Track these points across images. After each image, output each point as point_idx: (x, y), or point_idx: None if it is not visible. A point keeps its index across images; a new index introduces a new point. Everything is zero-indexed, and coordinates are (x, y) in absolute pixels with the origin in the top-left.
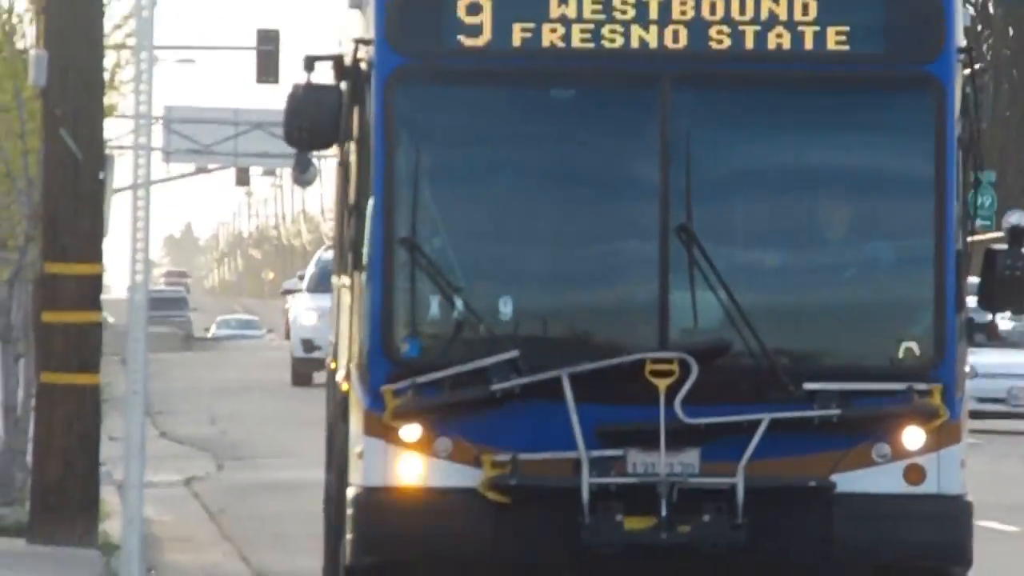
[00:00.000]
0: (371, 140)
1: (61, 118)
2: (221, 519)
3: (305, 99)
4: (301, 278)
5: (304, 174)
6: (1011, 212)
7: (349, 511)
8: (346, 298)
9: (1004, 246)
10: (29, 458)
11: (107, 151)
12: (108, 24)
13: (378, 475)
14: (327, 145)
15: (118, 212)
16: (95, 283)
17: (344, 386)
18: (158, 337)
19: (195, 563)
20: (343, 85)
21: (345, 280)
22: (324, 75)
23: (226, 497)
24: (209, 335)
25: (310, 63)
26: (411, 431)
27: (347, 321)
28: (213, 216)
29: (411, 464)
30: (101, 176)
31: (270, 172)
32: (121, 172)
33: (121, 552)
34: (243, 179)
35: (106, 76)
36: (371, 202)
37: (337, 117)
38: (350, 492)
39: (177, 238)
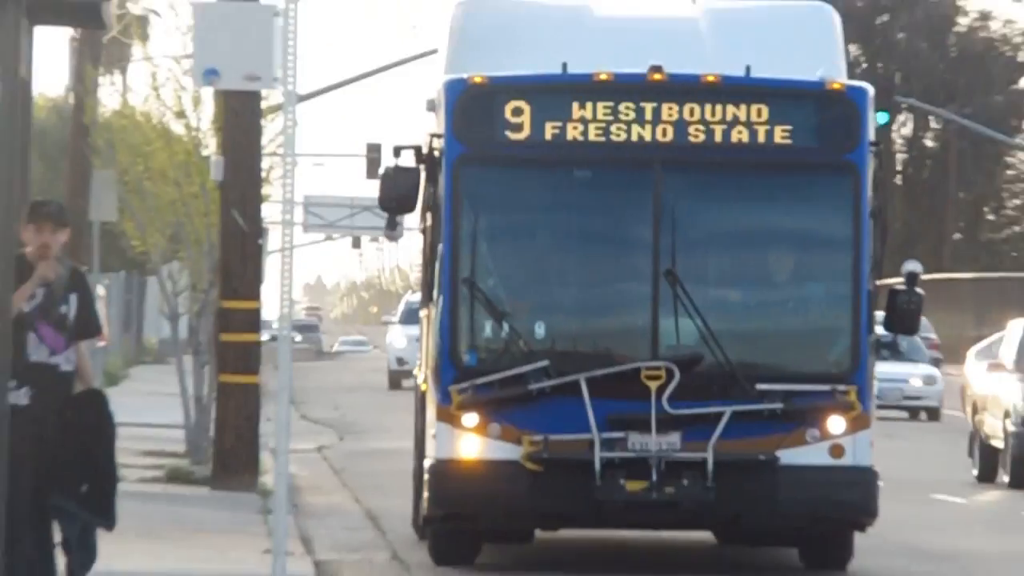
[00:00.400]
0: (442, 207)
1: (233, 202)
2: (342, 474)
3: (394, 177)
4: (394, 314)
5: (392, 231)
6: (908, 261)
7: (426, 476)
8: (426, 325)
9: (903, 287)
10: (211, 433)
11: (264, 225)
12: (265, 138)
13: (446, 450)
14: (409, 211)
15: (271, 267)
16: (255, 315)
17: (424, 387)
18: (299, 351)
19: (324, 503)
20: (421, 167)
21: (426, 312)
22: (408, 159)
23: (345, 459)
24: (333, 350)
25: (397, 151)
26: (470, 419)
27: (426, 341)
28: (337, 269)
29: (470, 443)
30: (260, 242)
31: (375, 239)
32: (273, 240)
33: (274, 496)
34: (356, 244)
35: (263, 174)
36: (441, 253)
37: (416, 190)
38: (427, 463)
39: (312, 284)
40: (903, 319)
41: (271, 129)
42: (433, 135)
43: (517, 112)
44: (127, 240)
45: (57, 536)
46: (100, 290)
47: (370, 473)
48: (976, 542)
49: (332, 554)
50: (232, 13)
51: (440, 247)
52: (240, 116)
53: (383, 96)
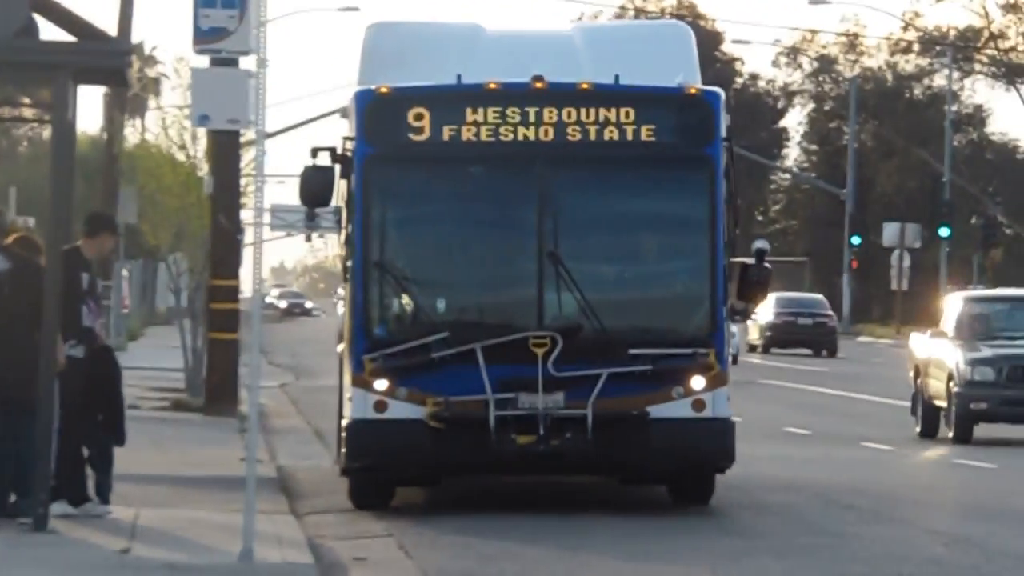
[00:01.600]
0: (354, 201)
1: (220, 209)
2: (298, 404)
3: (312, 175)
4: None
5: (312, 223)
6: (757, 240)
7: (343, 434)
8: (344, 302)
9: (752, 262)
10: (203, 375)
11: (242, 226)
12: (243, 163)
13: (360, 411)
14: (327, 204)
15: (247, 255)
16: (235, 290)
17: (343, 355)
18: (266, 316)
19: (285, 424)
20: (336, 166)
21: (344, 291)
22: (324, 160)
23: (300, 393)
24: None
25: (315, 152)
26: (381, 384)
27: (343, 315)
28: (294, 256)
29: (381, 404)
30: (239, 238)
31: (321, 236)
32: (249, 236)
33: (248, 419)
34: (309, 239)
35: (242, 189)
36: (354, 240)
37: (331, 186)
38: (344, 422)
39: (276, 267)
40: (752, 290)
41: (247, 156)
42: (346, 138)
43: (418, 117)
44: (144, 237)
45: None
46: (124, 272)
47: (318, 403)
48: (863, 479)
49: (290, 461)
50: (220, 75)
51: (353, 235)
52: (225, 148)
53: (334, 130)
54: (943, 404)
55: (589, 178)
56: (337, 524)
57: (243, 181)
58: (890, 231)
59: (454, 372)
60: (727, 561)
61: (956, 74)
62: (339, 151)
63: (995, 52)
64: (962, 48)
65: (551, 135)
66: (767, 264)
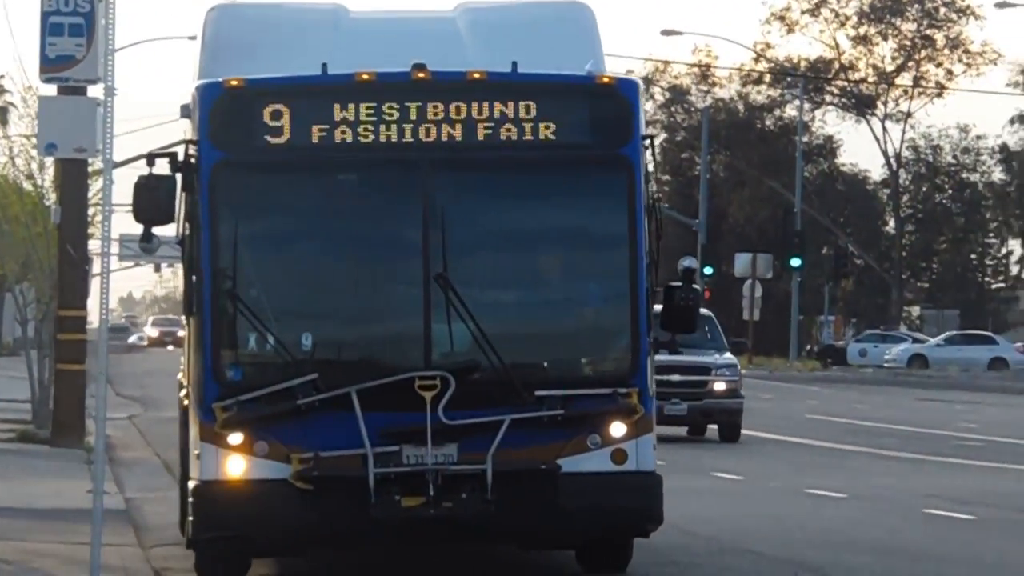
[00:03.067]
0: (200, 216)
1: (67, 239)
2: (146, 435)
3: (148, 187)
4: None
5: (149, 243)
6: (684, 257)
7: (191, 499)
8: (186, 339)
9: (679, 283)
10: (50, 406)
11: (90, 255)
12: (90, 192)
13: (211, 471)
14: (166, 222)
15: (95, 286)
16: (83, 320)
17: (185, 402)
18: (113, 346)
19: (133, 456)
20: (178, 176)
21: (186, 325)
22: (163, 168)
23: (148, 425)
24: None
25: (151, 159)
26: (236, 437)
27: (187, 354)
28: (143, 287)
29: (236, 462)
30: (87, 268)
31: (170, 265)
32: (96, 266)
33: (95, 451)
34: (157, 269)
35: (89, 218)
36: (200, 264)
37: (172, 200)
38: (191, 484)
39: (125, 297)
40: (681, 316)
41: (95, 186)
42: (188, 141)
43: (276, 115)
44: None
45: None
46: None
47: (166, 434)
48: (713, 508)
49: (138, 493)
50: (67, 103)
51: (199, 257)
52: (73, 177)
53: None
54: None
55: (484, 186)
56: (185, 557)
57: (91, 210)
58: (742, 261)
59: (324, 422)
60: None
61: (807, 105)
62: (181, 157)
63: (845, 83)
64: (813, 79)
65: (437, 135)
66: (696, 285)
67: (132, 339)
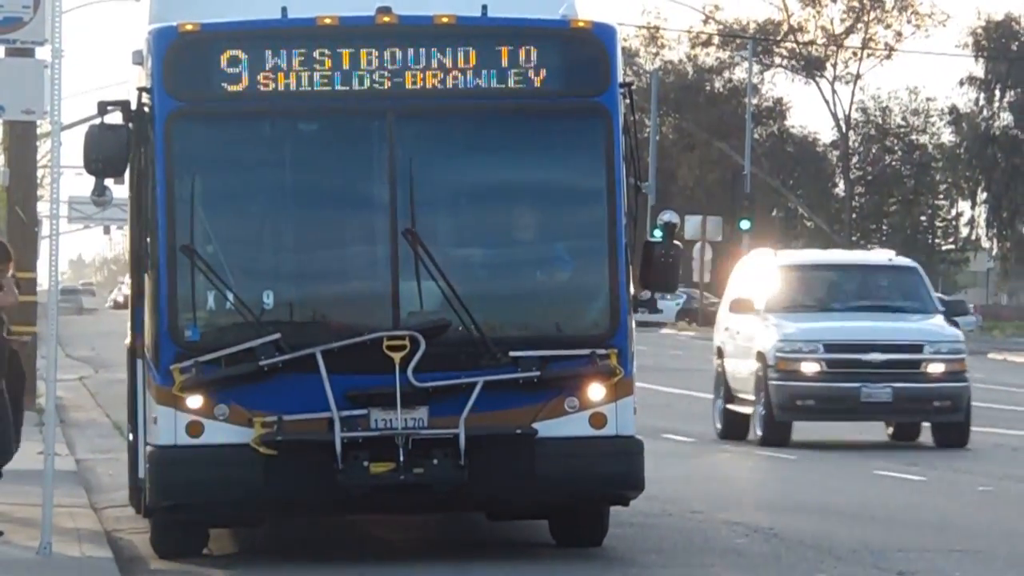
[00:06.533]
0: (154, 168)
1: (16, 201)
2: (96, 397)
3: (100, 137)
4: None
5: (101, 197)
6: (664, 212)
7: (147, 465)
8: (137, 298)
9: (659, 239)
10: None
11: (39, 218)
12: (39, 154)
13: (169, 436)
14: (119, 174)
15: (44, 248)
16: (33, 282)
17: (138, 353)
18: (64, 308)
19: (84, 417)
20: (130, 125)
21: (137, 283)
22: (115, 118)
23: (99, 386)
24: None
25: (102, 108)
26: (195, 400)
27: (132, 315)
28: (93, 249)
29: (195, 427)
30: (36, 230)
31: (120, 228)
32: (45, 228)
33: (46, 412)
34: (107, 231)
35: (38, 180)
36: (155, 219)
37: (124, 150)
38: (148, 450)
39: (75, 260)
40: (661, 274)
41: (43, 148)
42: (141, 89)
43: (234, 62)
44: None
45: None
46: None
47: (117, 395)
48: (661, 470)
49: (89, 454)
50: (14, 65)
51: (154, 212)
52: (21, 139)
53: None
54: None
55: (453, 136)
56: (136, 518)
57: (40, 173)
58: (692, 224)
59: (288, 384)
60: None
61: (756, 67)
62: (134, 107)
63: (794, 45)
64: (762, 41)
65: (403, 82)
66: (677, 242)
67: (88, 303)
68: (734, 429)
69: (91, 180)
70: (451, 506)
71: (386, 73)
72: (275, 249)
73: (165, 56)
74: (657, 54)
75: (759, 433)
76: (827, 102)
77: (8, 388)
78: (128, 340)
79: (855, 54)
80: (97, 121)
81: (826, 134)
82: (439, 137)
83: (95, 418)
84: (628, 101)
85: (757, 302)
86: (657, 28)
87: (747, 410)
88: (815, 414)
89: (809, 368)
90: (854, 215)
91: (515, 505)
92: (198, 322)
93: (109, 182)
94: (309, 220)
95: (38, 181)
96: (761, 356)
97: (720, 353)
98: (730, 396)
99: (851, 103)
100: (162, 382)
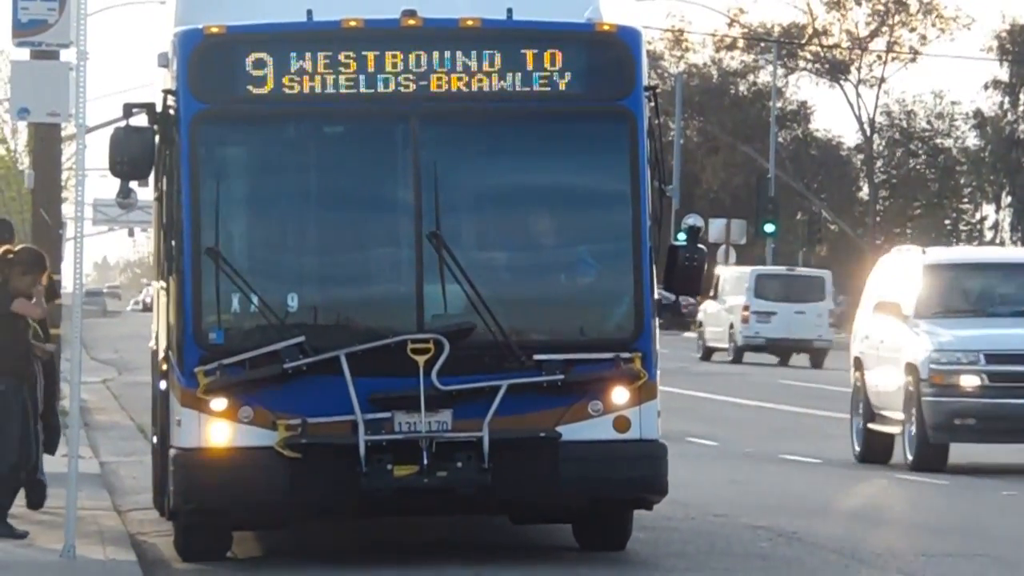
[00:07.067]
0: (180, 170)
1: (41, 204)
2: (120, 399)
3: (125, 140)
4: None
5: (126, 199)
6: (689, 215)
7: (171, 468)
8: (163, 298)
9: (683, 242)
10: None
11: (63, 220)
12: (64, 157)
13: (193, 439)
14: (144, 176)
15: (69, 250)
16: (57, 284)
17: (163, 366)
18: (87, 310)
19: (108, 420)
20: (155, 128)
21: (163, 284)
22: (140, 120)
23: (122, 389)
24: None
25: (128, 110)
26: (219, 403)
27: (164, 316)
28: (117, 252)
29: (220, 429)
30: (60, 232)
31: (144, 230)
32: (70, 230)
33: (70, 415)
34: (131, 233)
35: (63, 183)
36: (180, 221)
37: (150, 153)
38: (172, 452)
39: (99, 263)
40: (684, 277)
41: (68, 151)
42: (166, 92)
43: (259, 64)
44: None
45: None
46: None
47: (141, 398)
48: (681, 475)
49: (113, 457)
50: (40, 67)
51: (180, 215)
52: (46, 142)
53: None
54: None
55: (478, 139)
56: (160, 520)
57: (64, 175)
58: (716, 227)
59: (312, 387)
60: None
61: (781, 71)
62: (159, 109)
63: (819, 49)
64: (786, 45)
65: (429, 85)
66: (701, 245)
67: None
68: (876, 452)
69: (116, 183)
70: (474, 509)
71: (411, 76)
72: (299, 251)
73: (190, 58)
74: (682, 57)
75: (909, 457)
76: (851, 105)
77: (43, 397)
78: (152, 343)
79: (880, 57)
80: (122, 123)
81: (850, 138)
82: (464, 140)
83: (119, 421)
84: (653, 104)
85: (904, 307)
86: (682, 31)
87: (893, 429)
88: (976, 435)
89: (969, 382)
90: (878, 218)
91: (538, 508)
92: (223, 325)
93: (134, 184)
94: (333, 222)
95: (63, 184)
96: (911, 368)
97: (859, 365)
98: (871, 414)
99: (875, 107)
100: (187, 384)
